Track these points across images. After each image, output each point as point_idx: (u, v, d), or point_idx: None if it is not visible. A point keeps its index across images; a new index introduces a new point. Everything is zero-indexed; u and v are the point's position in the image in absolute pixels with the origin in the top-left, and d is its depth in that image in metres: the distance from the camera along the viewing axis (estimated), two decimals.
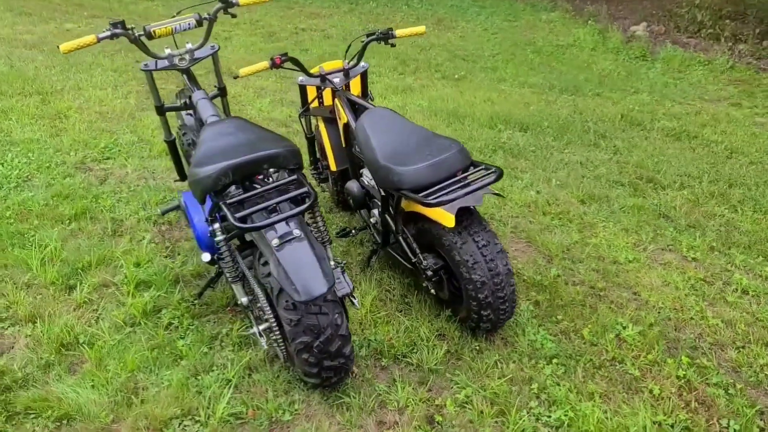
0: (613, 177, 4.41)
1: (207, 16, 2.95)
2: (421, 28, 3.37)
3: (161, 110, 3.15)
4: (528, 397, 2.47)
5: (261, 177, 2.46)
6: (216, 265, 2.79)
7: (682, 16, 10.03)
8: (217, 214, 2.33)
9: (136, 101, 5.42)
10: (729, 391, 2.51)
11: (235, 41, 8.13)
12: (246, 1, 3.07)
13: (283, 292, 2.18)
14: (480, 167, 2.60)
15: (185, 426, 2.30)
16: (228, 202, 2.23)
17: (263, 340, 2.48)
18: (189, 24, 2.87)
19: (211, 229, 2.34)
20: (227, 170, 2.24)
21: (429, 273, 2.78)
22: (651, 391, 2.51)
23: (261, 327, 2.44)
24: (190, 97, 3.09)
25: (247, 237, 2.66)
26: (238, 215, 2.15)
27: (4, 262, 3.16)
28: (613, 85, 6.98)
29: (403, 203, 2.79)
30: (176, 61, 2.98)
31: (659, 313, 2.99)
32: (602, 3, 11.26)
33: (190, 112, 3.26)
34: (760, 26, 9.14)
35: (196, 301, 2.96)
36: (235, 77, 3.00)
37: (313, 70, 3.39)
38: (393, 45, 3.34)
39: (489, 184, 2.45)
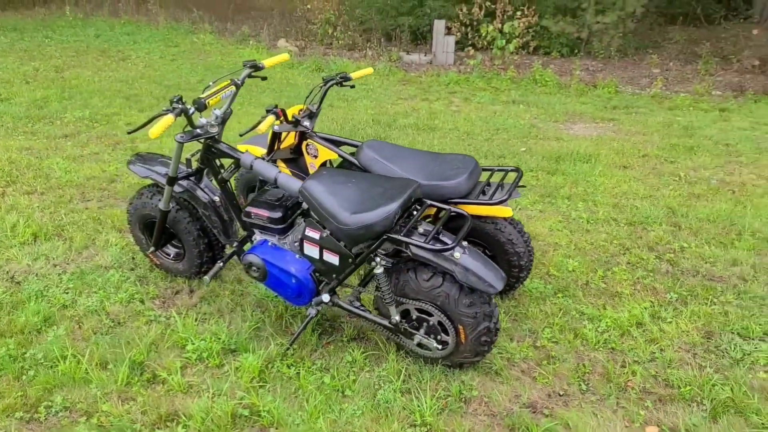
0: None
1: (239, 81, 3.07)
2: (370, 70, 3.95)
3: (173, 181, 3.11)
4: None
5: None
6: (317, 307, 3.03)
7: (316, 33, 11.69)
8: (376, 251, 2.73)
9: None
10: None
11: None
12: (270, 63, 3.25)
13: (464, 295, 2.74)
14: (494, 168, 3.45)
15: None
16: (418, 233, 2.69)
17: (430, 347, 2.91)
18: (231, 91, 2.98)
19: (377, 265, 2.74)
20: (398, 209, 2.69)
21: None
22: None
23: (420, 336, 2.89)
24: (218, 165, 3.12)
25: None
26: (431, 245, 2.62)
27: None
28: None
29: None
30: (209, 128, 3.01)
31: None
32: (237, 23, 12.24)
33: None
34: (377, 33, 11.33)
35: (289, 347, 3.09)
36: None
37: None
38: (352, 86, 3.83)
39: (520, 179, 3.33)
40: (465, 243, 2.73)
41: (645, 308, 3.49)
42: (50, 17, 12.50)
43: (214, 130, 3.02)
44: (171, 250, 3.60)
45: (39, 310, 3.22)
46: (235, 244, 3.23)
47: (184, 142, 2.91)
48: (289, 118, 3.51)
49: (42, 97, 7.22)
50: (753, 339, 3.26)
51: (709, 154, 6.21)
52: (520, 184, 3.67)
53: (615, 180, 5.42)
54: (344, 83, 3.73)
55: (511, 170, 3.36)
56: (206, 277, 3.18)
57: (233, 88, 2.99)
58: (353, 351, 3.06)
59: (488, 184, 3.30)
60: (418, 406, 2.73)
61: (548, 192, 5.11)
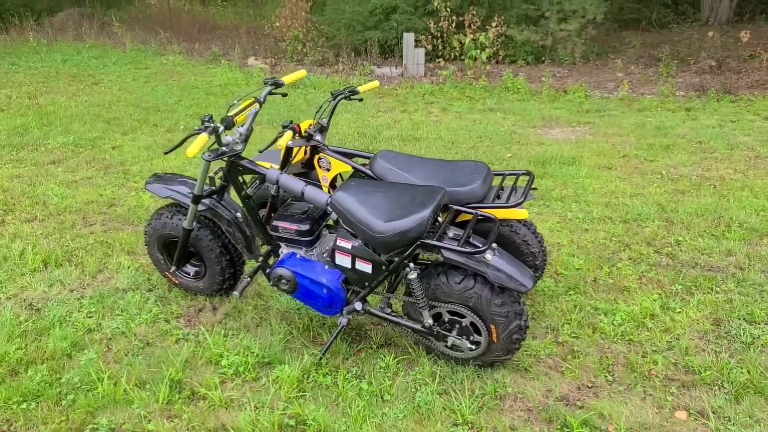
0: None
1: (261, 99, 3.13)
2: (376, 83, 4.04)
3: (198, 200, 3.16)
4: None
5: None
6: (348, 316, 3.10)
7: (285, 50, 11.75)
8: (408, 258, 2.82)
9: None
10: None
11: None
12: (290, 79, 3.31)
13: (495, 295, 2.85)
14: (506, 173, 3.58)
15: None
16: (448, 237, 2.80)
17: (463, 348, 3.00)
18: (255, 109, 3.05)
19: (410, 270, 2.83)
20: (431, 215, 2.79)
21: None
22: None
23: (453, 338, 2.98)
24: (239, 182, 3.17)
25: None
26: (465, 248, 2.73)
27: None
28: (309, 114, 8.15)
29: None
30: (234, 146, 3.07)
31: None
32: (204, 43, 12.23)
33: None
34: (346, 48, 11.46)
35: (322, 357, 3.14)
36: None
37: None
38: (360, 100, 3.92)
39: (533, 182, 3.46)
40: (494, 245, 2.84)
41: (654, 300, 3.63)
42: (12, 44, 12.30)
43: (239, 147, 3.07)
44: (190, 269, 3.62)
45: (66, 335, 3.21)
46: (260, 258, 3.27)
47: (212, 160, 2.96)
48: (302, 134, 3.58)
49: (21, 125, 7.11)
50: (759, 324, 3.43)
51: (684, 151, 6.46)
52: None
53: (601, 180, 5.61)
54: (352, 97, 3.82)
55: (523, 174, 3.49)
56: (235, 293, 3.22)
57: (257, 105, 3.05)
58: (385, 357, 3.13)
59: (501, 188, 3.42)
60: (458, 406, 2.81)
61: (541, 195, 5.26)
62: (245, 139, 3.11)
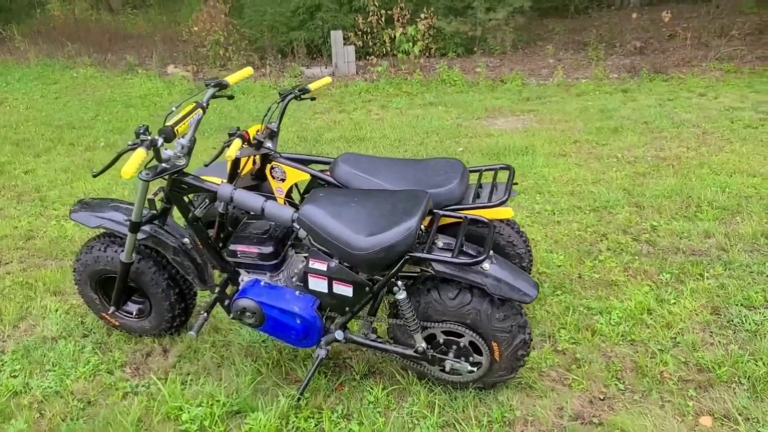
0: None
1: (204, 103, 2.68)
2: (328, 79, 3.63)
3: (137, 227, 2.69)
4: None
5: None
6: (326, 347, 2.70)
7: (207, 55, 11.12)
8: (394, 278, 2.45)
9: None
10: None
11: None
12: (235, 79, 2.87)
13: (496, 309, 2.51)
14: (482, 168, 3.25)
15: None
16: (438, 248, 2.43)
17: (462, 371, 2.64)
18: (199, 115, 2.60)
19: (398, 290, 2.46)
20: (419, 224, 2.42)
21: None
22: None
23: (451, 361, 2.62)
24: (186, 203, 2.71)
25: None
26: (460, 258, 2.37)
27: None
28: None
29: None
30: (177, 161, 2.61)
31: None
32: (117, 53, 11.45)
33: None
34: (272, 51, 10.94)
35: (300, 397, 2.72)
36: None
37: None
38: (313, 99, 3.50)
39: (513, 177, 3.14)
40: (491, 252, 2.49)
41: (646, 293, 3.39)
42: None
43: (182, 162, 2.61)
44: (132, 307, 3.12)
45: None
46: (216, 289, 2.81)
47: (151, 179, 2.49)
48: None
49: None
50: (758, 308, 3.25)
51: (633, 133, 6.35)
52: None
53: (559, 169, 5.39)
54: (303, 96, 3.41)
55: (501, 168, 3.17)
56: (192, 332, 2.74)
57: (200, 111, 2.59)
58: (372, 389, 2.74)
59: (480, 186, 3.09)
60: None
61: None
62: (188, 152, 2.64)
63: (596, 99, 7.89)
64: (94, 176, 2.41)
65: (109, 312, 2.99)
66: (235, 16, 11.73)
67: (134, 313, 3.10)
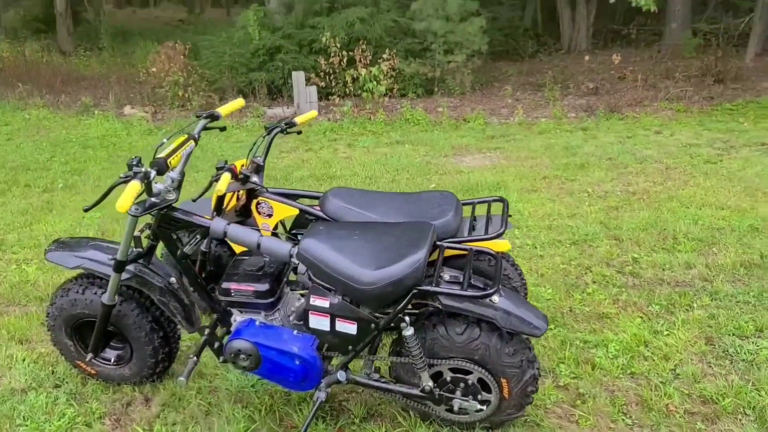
0: None
1: (196, 134, 2.57)
2: (314, 113, 3.55)
3: (122, 266, 2.54)
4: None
5: None
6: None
7: (165, 96, 10.93)
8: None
9: None
10: None
11: None
12: (227, 110, 2.77)
13: (505, 343, 2.43)
14: (476, 201, 3.20)
15: None
16: (444, 281, 2.35)
17: (470, 410, 2.53)
18: (191, 147, 2.49)
19: (405, 326, 2.36)
20: (426, 256, 2.35)
21: None
22: None
23: (460, 400, 2.51)
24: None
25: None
26: (471, 292, 2.29)
27: None
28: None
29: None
30: (166, 195, 2.48)
31: None
32: (71, 95, 11.19)
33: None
34: (232, 91, 10.85)
35: None
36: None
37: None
38: (299, 132, 3.42)
39: (508, 209, 3.10)
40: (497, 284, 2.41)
41: (639, 325, 3.36)
42: None
43: (172, 196, 2.47)
44: (110, 354, 2.91)
45: None
46: (205, 331, 2.64)
47: (141, 214, 2.34)
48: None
49: None
50: (750, 337, 3.26)
51: (599, 169, 6.45)
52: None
53: (533, 204, 5.40)
54: (289, 130, 3.32)
55: (495, 200, 3.13)
56: (181, 378, 2.56)
57: (192, 143, 2.47)
58: None
59: (474, 218, 3.04)
60: None
61: None
62: (178, 186, 2.51)
63: (558, 137, 8.03)
64: (86, 210, 2.25)
65: (87, 359, 2.78)
66: (192, 57, 11.61)
67: (113, 360, 2.89)
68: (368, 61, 9.66)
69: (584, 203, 5.37)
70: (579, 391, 2.87)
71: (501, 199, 3.09)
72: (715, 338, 3.24)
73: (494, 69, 13.28)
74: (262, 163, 3.18)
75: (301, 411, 2.72)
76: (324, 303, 2.39)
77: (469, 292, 2.28)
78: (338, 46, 9.92)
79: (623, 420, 2.69)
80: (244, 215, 3.27)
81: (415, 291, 2.29)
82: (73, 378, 2.99)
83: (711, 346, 3.18)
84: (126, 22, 22.73)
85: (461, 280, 2.34)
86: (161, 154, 2.31)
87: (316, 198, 3.18)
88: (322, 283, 2.40)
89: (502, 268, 2.45)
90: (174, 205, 2.47)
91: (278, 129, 3.27)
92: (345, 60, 9.78)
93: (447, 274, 2.43)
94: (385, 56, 9.73)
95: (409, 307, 2.38)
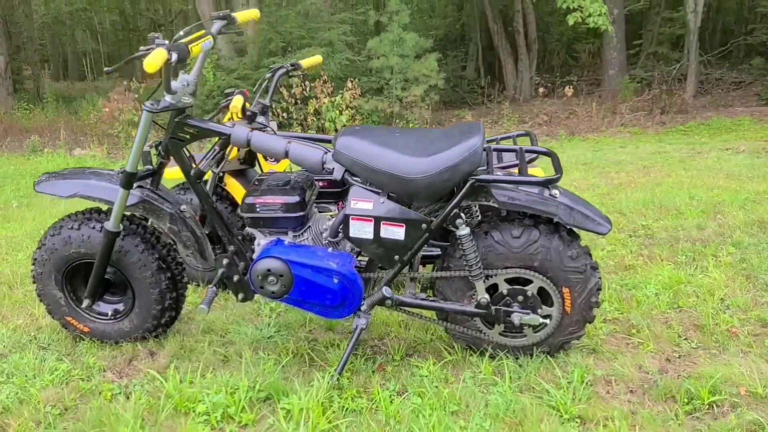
0: None
1: (214, 33, 2.32)
2: (319, 58, 3.35)
3: (131, 182, 2.23)
4: None
5: None
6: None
7: (119, 136, 10.55)
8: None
9: None
10: None
11: None
12: (242, 17, 2.52)
13: (567, 246, 2.21)
14: (499, 138, 3.04)
15: None
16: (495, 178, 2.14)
17: (534, 324, 2.27)
18: (209, 43, 2.24)
19: (462, 223, 2.13)
20: (482, 143, 2.14)
21: None
22: None
23: (520, 313, 2.25)
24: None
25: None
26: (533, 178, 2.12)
27: None
28: None
29: None
30: (183, 98, 2.22)
31: None
32: (17, 140, 10.68)
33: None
34: None
35: (339, 376, 2.23)
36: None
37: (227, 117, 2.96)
38: (303, 74, 3.22)
39: (536, 143, 2.94)
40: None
41: (671, 270, 3.18)
42: None
43: (188, 100, 2.20)
44: (106, 308, 2.52)
45: None
46: (224, 261, 2.31)
47: (158, 111, 2.07)
48: (238, 114, 2.76)
49: None
50: None
51: (577, 170, 6.44)
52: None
53: None
54: (293, 72, 3.10)
55: (520, 135, 2.96)
56: (203, 306, 2.21)
57: (210, 39, 2.21)
58: (419, 367, 2.28)
59: (501, 152, 2.86)
60: (559, 400, 2.04)
61: None
62: (193, 93, 2.24)
63: None
64: (107, 72, 1.95)
65: (83, 306, 2.39)
66: (146, 97, 11.30)
67: (109, 315, 2.50)
68: (330, 92, 9.58)
69: (575, 190, 5.25)
70: (631, 322, 2.64)
71: (527, 133, 2.95)
72: (752, 276, 3.08)
73: (448, 111, 13.43)
74: (268, 104, 2.94)
75: (331, 352, 2.39)
76: (367, 205, 2.12)
77: (532, 178, 2.06)
78: (300, 77, 9.83)
79: (687, 344, 2.46)
80: (247, 163, 3.01)
81: (472, 180, 2.05)
82: (63, 340, 2.57)
83: (753, 282, 3.01)
84: (66, 90, 22.08)
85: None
86: (183, 40, 2.05)
87: (327, 141, 2.93)
88: (363, 185, 2.13)
89: (559, 161, 2.24)
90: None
91: (283, 70, 3.06)
92: (308, 89, 9.66)
93: (497, 173, 2.21)
94: (348, 86, 9.66)
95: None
